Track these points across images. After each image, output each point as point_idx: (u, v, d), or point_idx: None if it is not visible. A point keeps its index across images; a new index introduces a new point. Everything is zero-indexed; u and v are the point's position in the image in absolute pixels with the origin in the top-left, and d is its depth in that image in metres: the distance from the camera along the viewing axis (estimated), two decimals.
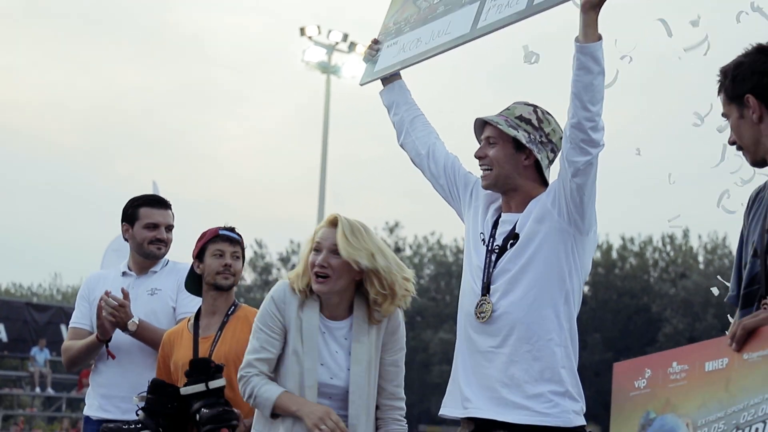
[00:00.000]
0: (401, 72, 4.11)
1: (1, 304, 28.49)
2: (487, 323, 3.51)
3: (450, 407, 3.56)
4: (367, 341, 3.74)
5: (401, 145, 4.00)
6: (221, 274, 4.41)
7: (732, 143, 2.81)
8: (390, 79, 4.10)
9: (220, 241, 4.44)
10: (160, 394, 4.24)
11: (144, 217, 4.82)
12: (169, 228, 4.88)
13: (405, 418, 3.81)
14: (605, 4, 3.29)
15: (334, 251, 3.68)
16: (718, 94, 2.80)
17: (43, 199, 67.37)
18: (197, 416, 4.07)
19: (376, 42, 4.24)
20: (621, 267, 40.73)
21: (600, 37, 3.31)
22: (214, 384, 4.11)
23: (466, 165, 3.87)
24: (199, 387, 4.10)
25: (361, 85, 4.23)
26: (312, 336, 3.73)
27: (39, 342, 24.90)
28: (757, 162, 2.77)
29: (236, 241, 4.47)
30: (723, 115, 2.81)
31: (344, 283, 3.72)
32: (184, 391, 4.13)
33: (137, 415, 4.25)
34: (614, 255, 40.81)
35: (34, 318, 26.14)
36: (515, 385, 3.43)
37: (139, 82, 62.81)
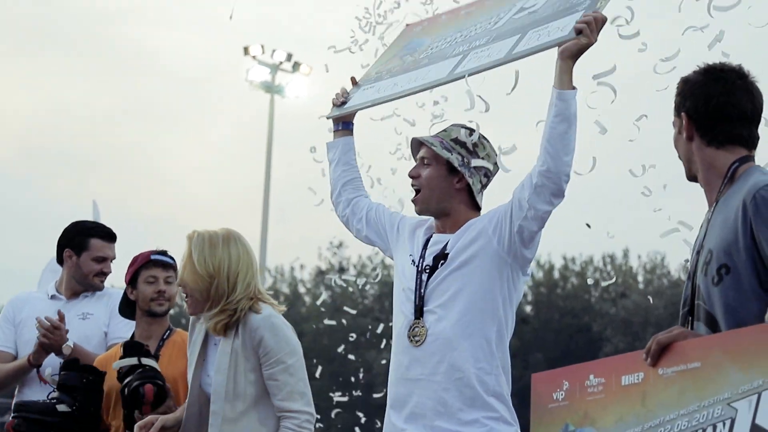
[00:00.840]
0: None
1: None
2: (420, 348, 3.51)
3: None
4: (229, 352, 3.77)
5: (332, 202, 4.08)
6: (155, 301, 4.41)
7: None
8: (341, 131, 4.11)
9: (153, 266, 4.43)
10: (74, 369, 4.25)
11: (94, 250, 4.78)
12: (113, 260, 4.87)
13: (304, 428, 3.77)
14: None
15: None
16: (674, 101, 2.84)
17: None
18: (126, 390, 4.07)
19: (346, 92, 4.18)
20: (563, 287, 41.10)
21: (574, 87, 3.34)
22: (147, 361, 4.14)
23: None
24: (132, 360, 4.12)
25: (328, 118, 4.21)
26: (194, 348, 3.90)
27: None
28: (691, 177, 2.81)
29: (169, 265, 4.46)
30: (673, 122, 2.85)
31: (204, 303, 3.82)
32: (117, 365, 4.14)
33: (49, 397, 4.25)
34: (556, 275, 41.16)
35: None
36: (449, 414, 3.45)
37: (79, 98, 62.01)
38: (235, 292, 3.76)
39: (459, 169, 3.61)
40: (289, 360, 3.76)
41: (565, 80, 3.33)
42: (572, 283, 41.23)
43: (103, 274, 4.82)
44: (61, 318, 4.54)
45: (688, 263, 2.80)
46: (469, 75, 3.59)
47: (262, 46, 27.50)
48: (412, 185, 3.71)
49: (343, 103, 4.13)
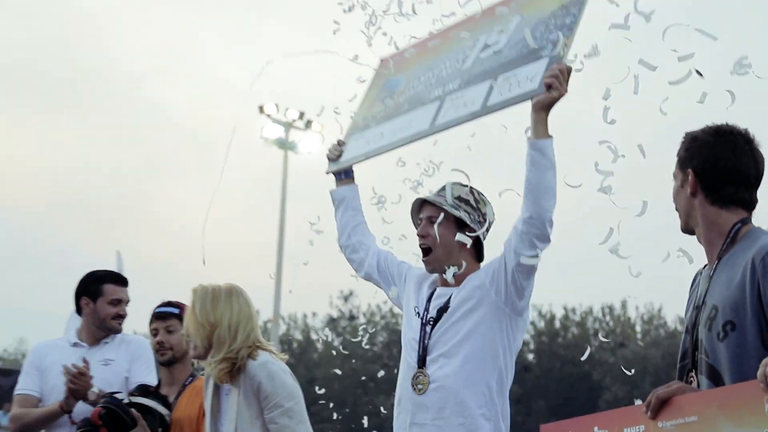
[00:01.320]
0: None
1: None
2: (424, 395, 3.65)
3: None
4: (234, 399, 3.93)
5: (341, 245, 4.19)
6: (158, 352, 4.68)
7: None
8: (344, 180, 4.28)
9: (155, 319, 4.71)
10: (148, 395, 4.57)
11: (109, 294, 4.95)
12: (128, 303, 5.06)
13: None
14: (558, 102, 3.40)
15: None
16: (677, 154, 2.86)
17: (8, 263, 66.85)
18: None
19: (340, 143, 4.37)
20: (564, 336, 40.93)
21: (550, 135, 3.43)
22: (137, 399, 4.47)
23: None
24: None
25: (327, 173, 4.35)
26: (207, 400, 4.08)
27: (4, 406, 24.91)
28: (687, 230, 2.85)
29: (168, 316, 4.69)
30: (674, 174, 2.88)
31: (207, 350, 4.02)
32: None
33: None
34: (557, 324, 40.78)
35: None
36: None
37: (106, 154, 63.11)
38: (236, 341, 3.92)
39: (471, 225, 3.74)
40: (287, 403, 3.88)
41: (540, 131, 3.41)
42: (572, 333, 41.16)
43: (120, 317, 4.95)
44: (87, 365, 4.69)
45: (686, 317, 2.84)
46: (448, 128, 3.76)
47: (276, 105, 27.94)
48: (421, 245, 3.82)
49: (339, 155, 4.31)
